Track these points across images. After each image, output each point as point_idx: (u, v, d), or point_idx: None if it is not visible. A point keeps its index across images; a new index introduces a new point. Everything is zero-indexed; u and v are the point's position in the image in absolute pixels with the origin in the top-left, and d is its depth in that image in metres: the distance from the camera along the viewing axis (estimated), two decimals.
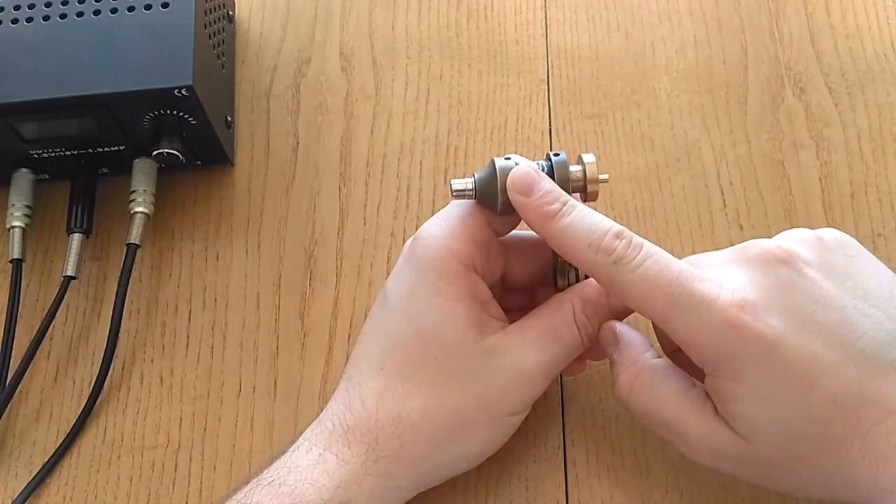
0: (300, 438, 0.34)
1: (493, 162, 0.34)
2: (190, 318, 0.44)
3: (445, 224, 0.35)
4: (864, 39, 0.48)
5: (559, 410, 0.40)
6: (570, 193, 0.34)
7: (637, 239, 0.32)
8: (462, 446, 0.35)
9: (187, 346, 0.43)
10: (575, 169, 0.35)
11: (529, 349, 0.34)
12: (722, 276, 0.31)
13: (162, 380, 0.42)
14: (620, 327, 0.35)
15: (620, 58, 0.48)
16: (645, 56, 0.48)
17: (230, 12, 0.50)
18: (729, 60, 0.48)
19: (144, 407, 0.42)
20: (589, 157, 0.35)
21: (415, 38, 0.50)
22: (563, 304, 0.35)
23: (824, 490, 0.32)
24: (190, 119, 0.42)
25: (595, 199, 0.35)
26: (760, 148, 0.45)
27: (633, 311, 0.36)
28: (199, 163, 0.46)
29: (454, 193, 0.34)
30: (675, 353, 0.35)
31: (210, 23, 0.45)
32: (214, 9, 0.46)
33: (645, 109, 0.47)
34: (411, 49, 0.50)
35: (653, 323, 0.36)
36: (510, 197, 0.33)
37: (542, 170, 0.34)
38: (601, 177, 0.35)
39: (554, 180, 0.34)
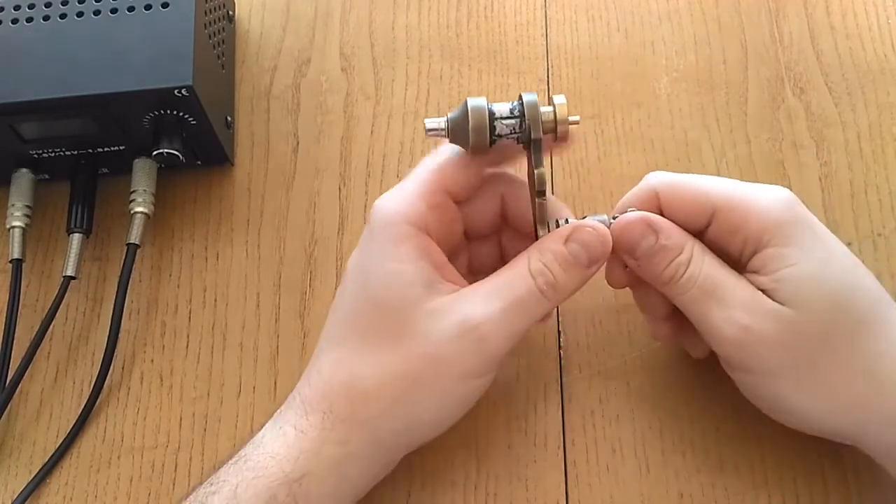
0: (270, 419, 0.35)
1: (465, 102, 0.34)
2: (190, 318, 0.44)
3: (398, 190, 0.35)
4: (864, 39, 0.48)
5: (559, 410, 0.40)
6: (541, 135, 0.34)
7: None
8: (415, 411, 0.34)
9: (187, 346, 0.43)
10: (546, 110, 0.34)
11: (475, 304, 0.33)
12: None
13: (162, 380, 0.42)
14: (648, 214, 0.34)
15: (620, 58, 0.48)
16: (645, 56, 0.48)
17: (230, 12, 0.50)
18: (729, 60, 0.48)
19: (144, 407, 0.42)
20: (559, 99, 0.34)
21: (415, 38, 0.50)
22: (520, 258, 0.34)
23: (844, 393, 0.32)
24: (190, 119, 0.42)
25: (565, 141, 0.35)
26: (760, 148, 0.45)
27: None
28: (199, 163, 0.46)
29: (428, 132, 0.34)
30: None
31: (210, 23, 0.45)
32: (214, 9, 0.46)
33: (645, 109, 0.47)
34: (411, 49, 0.50)
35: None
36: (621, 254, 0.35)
37: (514, 111, 0.34)
38: (571, 118, 0.34)
39: (525, 121, 0.34)
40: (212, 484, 0.33)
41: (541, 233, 0.35)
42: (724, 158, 0.45)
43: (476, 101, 0.34)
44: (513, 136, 0.34)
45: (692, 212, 0.34)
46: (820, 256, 0.32)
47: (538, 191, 0.34)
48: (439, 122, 0.34)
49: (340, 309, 0.35)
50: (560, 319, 0.42)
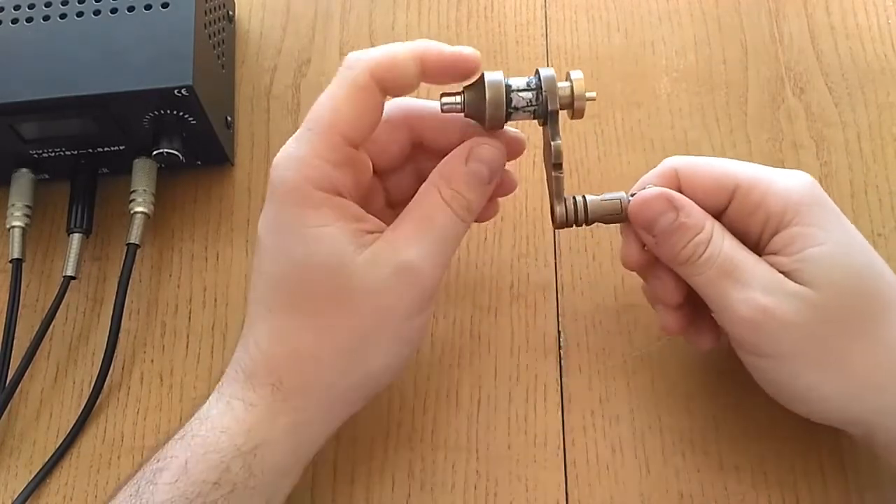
0: (211, 392, 0.35)
1: (482, 75, 0.34)
2: (190, 318, 0.44)
3: (297, 152, 0.33)
4: (864, 39, 0.48)
5: (559, 410, 0.40)
6: (558, 109, 0.34)
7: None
8: (367, 364, 0.34)
9: (187, 346, 0.43)
10: (563, 85, 0.34)
11: (406, 244, 0.33)
12: None
13: (162, 380, 0.42)
14: (669, 190, 0.34)
15: (620, 58, 0.48)
16: (645, 56, 0.48)
17: (230, 12, 0.50)
18: (729, 60, 0.48)
19: (144, 407, 0.42)
20: (577, 74, 0.34)
21: (415, 38, 0.49)
22: (428, 190, 0.34)
23: (861, 378, 0.32)
24: (190, 119, 0.42)
25: (581, 117, 0.35)
26: (760, 148, 0.45)
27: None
28: (199, 163, 0.46)
29: (443, 106, 0.34)
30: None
31: (210, 23, 0.45)
32: (214, 9, 0.46)
33: (645, 109, 0.47)
34: None
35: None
36: (638, 231, 0.35)
37: (530, 85, 0.34)
38: (588, 94, 0.34)
39: (542, 93, 0.34)
40: (158, 460, 0.32)
41: (557, 208, 0.35)
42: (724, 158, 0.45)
43: (493, 75, 0.34)
44: (529, 108, 0.34)
45: (712, 191, 0.34)
46: (843, 239, 0.33)
47: (555, 163, 0.34)
48: (455, 98, 0.34)
49: (265, 276, 0.34)
50: (560, 319, 0.42)
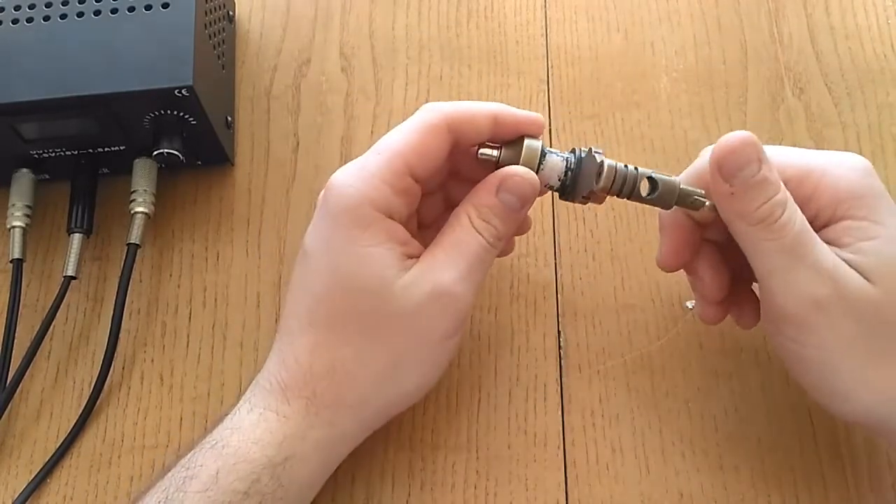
0: (240, 401, 0.35)
1: (523, 138, 0.35)
2: (190, 318, 0.44)
3: (361, 172, 0.34)
4: (864, 39, 0.48)
5: (559, 410, 0.40)
6: (580, 202, 0.35)
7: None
8: (401, 384, 0.35)
9: (187, 346, 0.43)
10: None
11: (440, 269, 0.34)
12: None
13: (162, 380, 0.42)
14: (758, 142, 0.32)
15: (620, 58, 0.48)
16: (645, 56, 0.48)
17: (230, 12, 0.50)
18: (729, 60, 0.48)
19: (145, 407, 0.42)
20: (610, 162, 0.35)
21: (415, 38, 0.50)
22: (460, 217, 0.35)
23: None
24: (190, 119, 0.42)
25: (601, 203, 0.36)
26: None
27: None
28: (199, 163, 0.46)
29: (479, 156, 0.35)
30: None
31: (210, 23, 0.45)
32: (214, 9, 0.46)
33: (645, 109, 0.47)
34: (411, 49, 0.50)
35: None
36: (714, 181, 0.32)
37: (569, 163, 0.35)
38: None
39: (569, 174, 0.35)
40: (187, 468, 0.33)
41: (606, 163, 0.35)
42: None
43: (533, 142, 0.35)
44: (557, 182, 0.35)
45: None
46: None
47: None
48: (493, 152, 0.35)
49: (308, 292, 0.35)
50: (560, 319, 0.42)
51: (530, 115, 0.35)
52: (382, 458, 0.39)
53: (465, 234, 0.35)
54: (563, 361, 0.41)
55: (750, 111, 0.46)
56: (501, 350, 0.41)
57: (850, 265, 0.31)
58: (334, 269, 0.34)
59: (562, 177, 0.35)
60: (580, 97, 0.47)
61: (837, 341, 0.31)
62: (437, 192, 0.39)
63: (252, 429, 0.33)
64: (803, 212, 0.32)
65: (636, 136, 0.46)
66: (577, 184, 0.35)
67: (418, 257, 0.35)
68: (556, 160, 0.35)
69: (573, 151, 0.35)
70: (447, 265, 0.34)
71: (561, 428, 0.40)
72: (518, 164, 0.35)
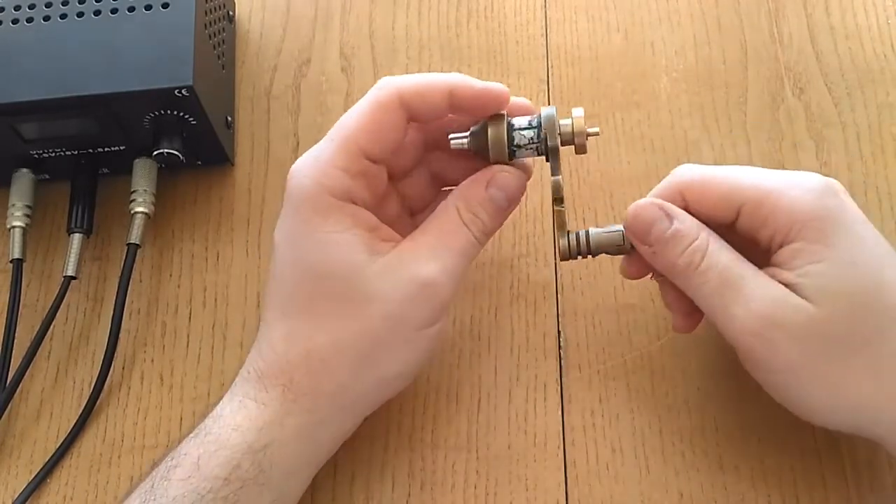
0: (225, 393, 0.35)
1: (485, 124, 0.35)
2: (190, 318, 0.44)
3: (316, 161, 0.34)
4: (864, 39, 0.48)
5: (559, 410, 0.40)
6: (557, 146, 0.35)
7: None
8: (380, 369, 0.35)
9: (187, 346, 0.43)
10: (564, 122, 0.36)
11: (424, 259, 0.34)
12: None
13: (162, 380, 0.42)
14: (664, 202, 0.35)
15: (620, 58, 0.48)
16: (645, 56, 0.48)
17: (230, 12, 0.50)
18: (729, 60, 0.48)
19: (145, 407, 0.42)
20: (578, 111, 0.36)
21: (415, 38, 0.50)
22: (448, 209, 0.35)
23: (862, 391, 0.32)
24: (190, 119, 0.42)
25: (584, 152, 0.36)
26: (760, 148, 0.45)
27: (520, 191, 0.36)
28: (199, 163, 0.46)
29: (451, 144, 0.36)
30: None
31: (210, 23, 0.45)
32: (214, 9, 0.46)
33: (645, 109, 0.47)
34: (411, 49, 0.50)
35: None
36: (636, 245, 0.35)
37: (532, 123, 0.35)
38: (590, 129, 0.35)
39: (541, 131, 0.35)
40: (173, 458, 0.33)
41: (560, 241, 0.36)
42: (724, 158, 0.45)
43: (495, 121, 0.35)
44: (531, 146, 0.36)
45: (719, 208, 0.34)
46: (846, 255, 0.32)
47: (554, 198, 0.36)
48: (462, 140, 0.36)
49: (280, 282, 0.35)
50: (560, 319, 0.42)
51: (490, 87, 0.35)
52: (382, 458, 0.39)
53: (453, 227, 0.35)
54: (563, 361, 0.41)
55: (750, 111, 0.46)
56: (501, 350, 0.41)
57: (794, 289, 0.32)
58: (301, 258, 0.34)
59: (534, 139, 0.35)
60: (580, 97, 0.47)
61: (789, 366, 0.33)
62: (418, 169, 0.39)
63: (232, 416, 0.34)
64: (761, 233, 0.33)
65: (636, 136, 0.46)
66: (547, 138, 0.35)
67: (392, 242, 0.35)
68: (522, 122, 0.35)
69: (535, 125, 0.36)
70: (430, 256, 0.34)
71: (561, 428, 0.40)
72: (488, 143, 0.35)
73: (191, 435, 0.34)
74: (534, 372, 0.41)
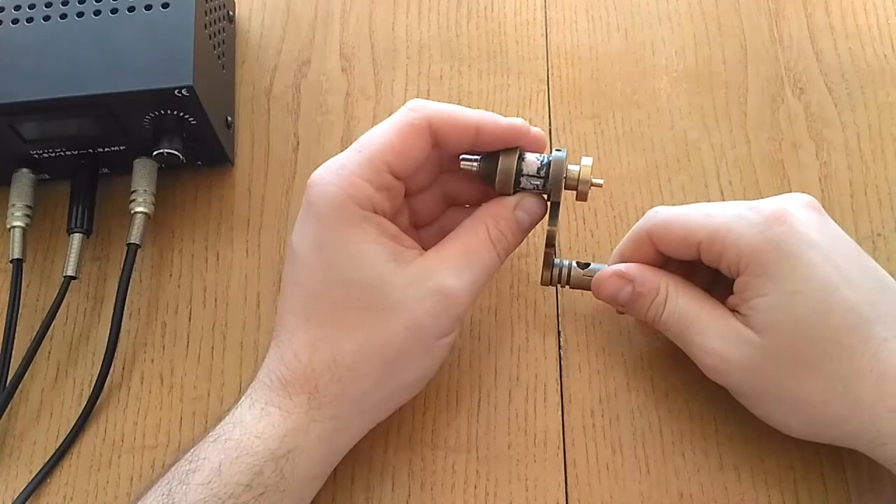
0: (241, 398, 0.35)
1: (497, 154, 0.37)
2: (190, 318, 0.44)
3: (341, 170, 0.35)
4: (864, 40, 0.48)
5: (559, 410, 0.40)
6: (561, 199, 0.37)
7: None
8: (400, 376, 0.36)
9: (187, 346, 0.43)
10: (572, 168, 0.37)
11: (450, 272, 0.35)
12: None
13: (162, 380, 0.42)
14: (621, 266, 0.38)
15: (620, 58, 0.48)
16: (645, 56, 0.48)
17: (230, 12, 0.50)
18: (729, 60, 0.48)
19: (145, 407, 0.42)
20: (587, 160, 0.37)
21: (415, 38, 0.50)
22: (477, 226, 0.36)
23: (821, 413, 0.34)
24: (190, 119, 0.42)
25: (584, 200, 0.37)
26: (760, 148, 0.45)
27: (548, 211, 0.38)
28: (200, 163, 0.46)
29: (462, 165, 0.37)
30: None
31: (210, 23, 0.45)
32: (214, 9, 0.46)
33: (645, 109, 0.47)
34: (411, 49, 0.50)
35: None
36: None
37: (541, 171, 0.37)
38: (595, 180, 0.37)
39: (548, 182, 0.36)
40: (190, 462, 0.33)
41: (544, 273, 0.39)
42: (723, 158, 0.45)
43: (509, 154, 0.37)
44: (536, 189, 0.37)
45: (681, 247, 0.37)
46: (789, 286, 0.33)
47: (547, 244, 0.38)
48: (473, 164, 0.37)
49: (302, 289, 0.35)
50: (560, 319, 0.42)
51: (513, 125, 0.36)
52: (382, 458, 0.39)
53: (480, 244, 0.36)
54: (563, 361, 0.41)
55: (750, 111, 0.46)
56: (501, 350, 0.41)
57: (745, 321, 0.34)
58: (329, 266, 0.35)
59: (539, 186, 0.37)
60: (580, 97, 0.47)
61: (750, 392, 0.36)
62: (430, 189, 0.40)
63: (254, 423, 0.34)
64: (721, 266, 0.35)
65: (636, 136, 0.46)
66: (552, 190, 0.37)
67: (412, 249, 0.36)
68: (532, 168, 0.37)
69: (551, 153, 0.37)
70: (456, 270, 0.35)
71: (561, 428, 0.40)
72: (496, 175, 0.36)
73: (208, 439, 0.34)
74: (534, 372, 0.41)
